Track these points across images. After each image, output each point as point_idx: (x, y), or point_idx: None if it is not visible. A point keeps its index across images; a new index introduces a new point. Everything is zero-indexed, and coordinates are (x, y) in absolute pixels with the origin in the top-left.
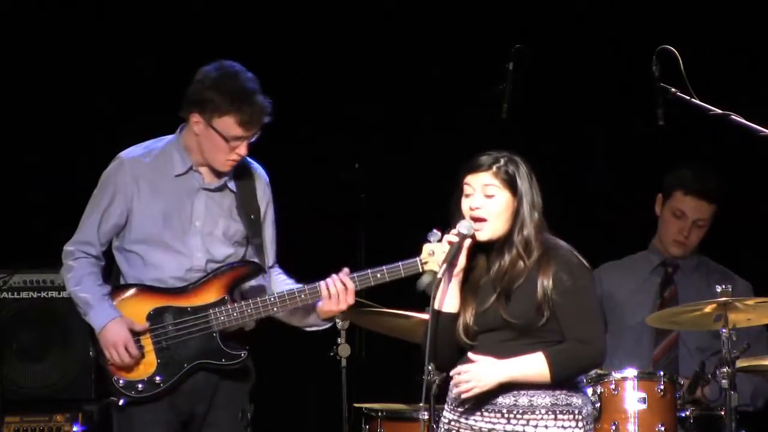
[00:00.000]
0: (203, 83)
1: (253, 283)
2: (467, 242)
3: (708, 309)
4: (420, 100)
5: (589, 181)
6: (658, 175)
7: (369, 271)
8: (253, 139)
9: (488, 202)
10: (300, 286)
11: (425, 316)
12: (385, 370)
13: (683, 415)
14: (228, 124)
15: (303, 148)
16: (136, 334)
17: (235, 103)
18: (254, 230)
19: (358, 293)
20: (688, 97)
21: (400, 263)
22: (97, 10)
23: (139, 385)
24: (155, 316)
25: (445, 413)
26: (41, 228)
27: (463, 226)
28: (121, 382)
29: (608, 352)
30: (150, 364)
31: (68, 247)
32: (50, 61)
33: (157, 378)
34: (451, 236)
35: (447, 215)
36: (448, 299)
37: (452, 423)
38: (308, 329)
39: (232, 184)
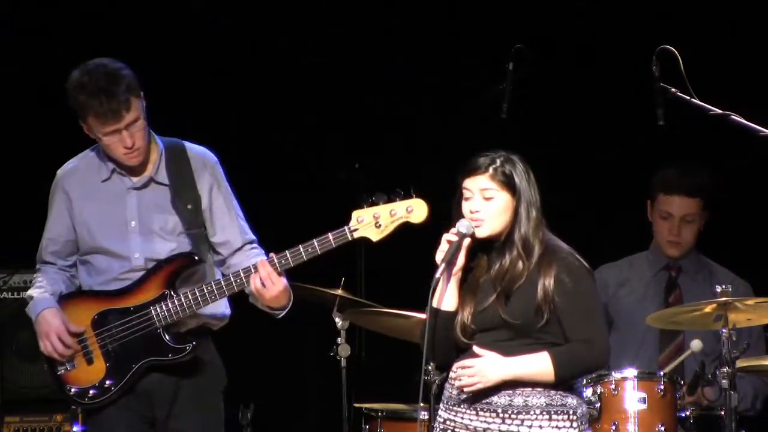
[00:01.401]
0: (68, 92)
1: (195, 273)
2: (466, 241)
3: (708, 309)
4: (420, 100)
5: (588, 180)
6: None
7: (300, 246)
8: (135, 128)
9: (487, 204)
10: (238, 271)
11: (425, 316)
12: (385, 370)
13: (683, 415)
14: (93, 124)
15: (303, 148)
16: (80, 338)
17: (88, 103)
18: (193, 220)
19: (356, 291)
20: (688, 97)
21: (329, 234)
22: (97, 11)
23: (91, 391)
24: (100, 320)
25: (440, 412)
26: (41, 228)
27: (463, 225)
28: (73, 390)
29: (612, 356)
30: (99, 369)
31: (36, 266)
32: (51, 60)
33: (107, 382)
34: (450, 235)
35: (447, 214)
36: (447, 298)
37: (448, 422)
38: (273, 316)
39: (162, 177)
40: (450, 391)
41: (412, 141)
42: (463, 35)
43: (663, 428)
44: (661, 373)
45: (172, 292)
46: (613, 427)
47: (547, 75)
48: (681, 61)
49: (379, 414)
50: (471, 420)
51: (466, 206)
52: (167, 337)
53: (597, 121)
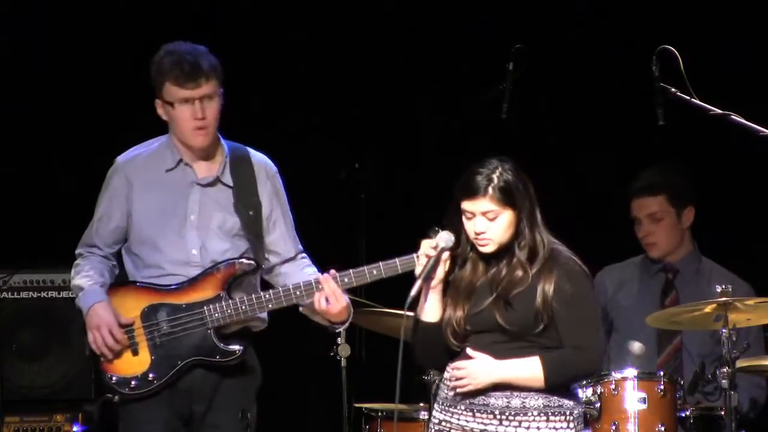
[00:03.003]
0: (153, 62)
1: (249, 279)
2: (445, 255)
3: (708, 309)
4: (420, 100)
5: (589, 181)
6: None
7: (365, 267)
8: (209, 103)
9: (491, 225)
10: (299, 282)
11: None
12: (385, 370)
13: (683, 415)
14: (169, 90)
15: (303, 147)
16: (127, 329)
17: (169, 68)
18: (251, 226)
19: (356, 291)
20: (688, 97)
21: (396, 259)
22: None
23: (133, 382)
24: (149, 313)
25: (435, 413)
26: (41, 228)
27: (442, 239)
28: (114, 378)
29: (612, 359)
30: (144, 361)
31: (77, 250)
32: (52, 60)
33: (151, 375)
34: (429, 249)
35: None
36: (429, 310)
37: (443, 423)
38: (331, 330)
39: (227, 179)
40: (446, 392)
41: (413, 141)
42: (463, 35)
43: (663, 428)
44: (661, 373)
45: (227, 295)
46: (613, 427)
47: (547, 75)
48: (681, 61)
49: (379, 414)
50: (467, 421)
51: (469, 226)
52: (216, 339)
53: (597, 121)
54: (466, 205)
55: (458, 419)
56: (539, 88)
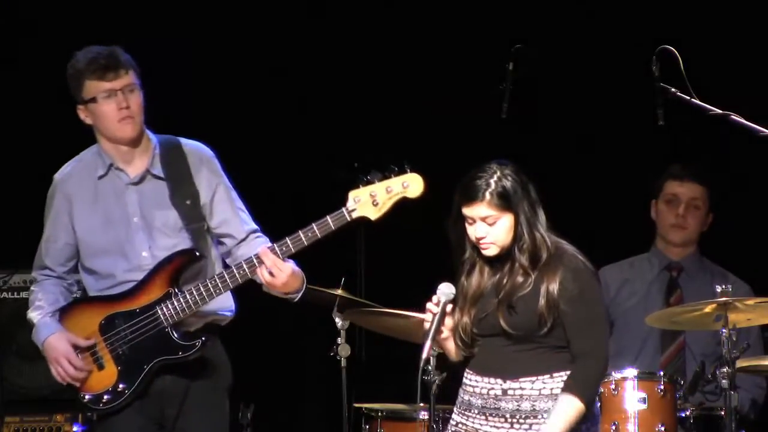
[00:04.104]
0: (69, 70)
1: (198, 269)
2: (449, 307)
3: (708, 309)
4: (420, 100)
5: (588, 181)
6: (659, 175)
7: (300, 231)
8: (131, 94)
9: (492, 229)
10: (241, 261)
11: (424, 316)
12: (385, 370)
13: (683, 415)
14: (90, 87)
15: (302, 147)
16: (88, 348)
17: (86, 66)
18: (190, 216)
19: (356, 291)
20: (688, 97)
21: (327, 216)
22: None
23: (105, 397)
24: (107, 325)
25: (454, 415)
26: (41, 228)
27: (443, 293)
28: (87, 397)
29: (613, 357)
30: (111, 373)
31: (32, 274)
32: (50, 60)
33: (120, 386)
34: (431, 305)
35: (446, 214)
36: (454, 350)
37: (460, 425)
38: (289, 301)
39: (157, 171)
40: (462, 396)
41: (412, 140)
42: (463, 35)
43: (663, 428)
44: (661, 373)
45: (176, 290)
46: (613, 427)
47: (547, 75)
48: (681, 61)
49: (379, 414)
50: (481, 425)
51: (470, 231)
52: (176, 335)
53: (597, 121)
54: (466, 210)
55: (472, 422)
56: (539, 88)
